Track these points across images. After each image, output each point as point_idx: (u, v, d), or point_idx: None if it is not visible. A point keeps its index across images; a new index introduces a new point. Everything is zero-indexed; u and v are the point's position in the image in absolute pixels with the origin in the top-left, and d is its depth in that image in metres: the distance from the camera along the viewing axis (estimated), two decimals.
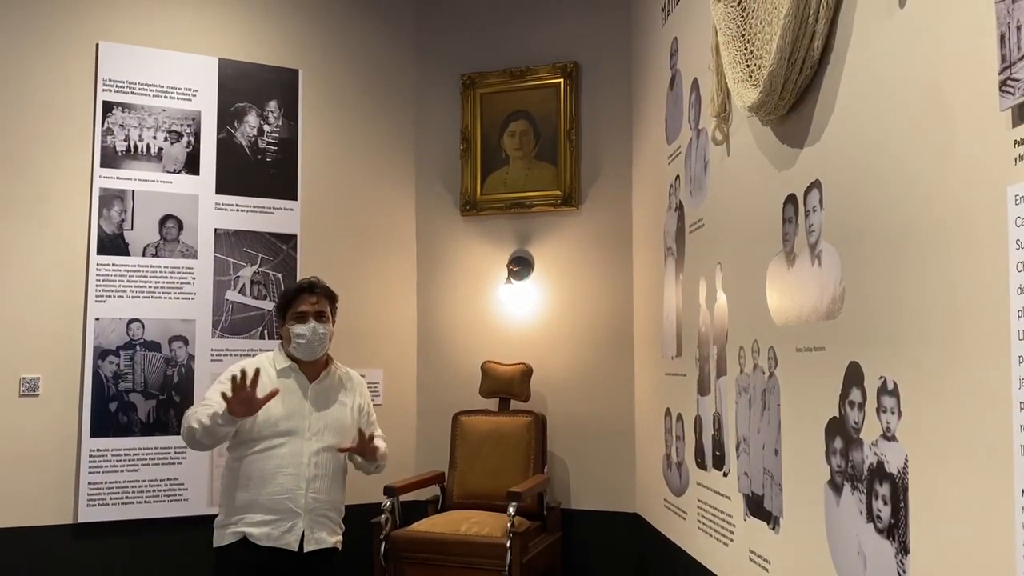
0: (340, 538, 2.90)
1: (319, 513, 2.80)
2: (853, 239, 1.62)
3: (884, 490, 1.48)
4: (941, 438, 1.31)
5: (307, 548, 2.76)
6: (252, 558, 2.69)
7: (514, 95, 4.30)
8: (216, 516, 2.85)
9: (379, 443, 2.97)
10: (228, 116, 4.00)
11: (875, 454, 1.51)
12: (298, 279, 3.72)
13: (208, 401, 2.72)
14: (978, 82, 1.21)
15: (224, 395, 2.57)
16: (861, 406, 1.57)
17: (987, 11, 1.18)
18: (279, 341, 2.96)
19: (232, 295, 3.94)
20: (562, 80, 4.21)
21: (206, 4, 4.03)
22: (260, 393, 2.63)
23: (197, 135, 3.93)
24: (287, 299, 2.88)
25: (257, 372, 2.61)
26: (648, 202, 3.72)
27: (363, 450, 2.85)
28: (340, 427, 2.87)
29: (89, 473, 3.60)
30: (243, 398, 2.57)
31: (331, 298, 2.91)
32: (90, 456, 3.61)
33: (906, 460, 1.41)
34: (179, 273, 3.84)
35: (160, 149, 3.86)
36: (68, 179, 3.70)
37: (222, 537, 2.75)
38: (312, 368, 2.86)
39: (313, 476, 2.77)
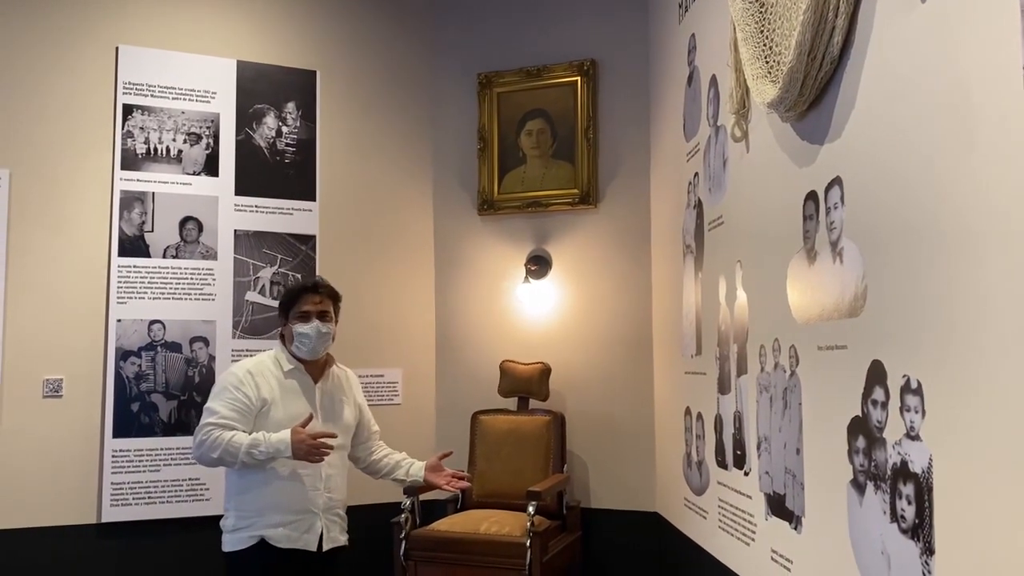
0: (347, 535, 2.93)
1: (334, 512, 2.84)
2: (875, 236, 1.60)
3: (908, 490, 1.46)
4: (966, 437, 1.29)
5: (326, 547, 2.78)
6: (271, 560, 2.70)
7: (531, 94, 4.29)
8: (220, 519, 2.79)
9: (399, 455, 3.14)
10: (247, 118, 4.02)
11: (899, 453, 1.49)
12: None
13: (223, 419, 2.66)
14: (1002, 75, 1.19)
15: (297, 444, 2.63)
16: (884, 405, 1.55)
17: (1011, 2, 1.16)
18: (279, 340, 2.93)
19: (252, 296, 3.96)
20: (579, 78, 4.20)
21: (224, 7, 4.06)
22: (269, 394, 2.74)
23: (216, 137, 3.95)
24: (290, 298, 2.87)
25: (311, 417, 2.72)
26: (667, 200, 3.70)
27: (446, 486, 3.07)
28: (346, 426, 2.91)
29: (112, 473, 3.63)
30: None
31: (334, 297, 2.91)
32: (112, 456, 3.64)
33: (930, 459, 1.39)
34: (199, 274, 3.86)
35: (180, 151, 3.88)
36: (89, 182, 3.74)
37: (237, 541, 2.71)
38: (315, 368, 2.87)
39: (328, 476, 2.80)
